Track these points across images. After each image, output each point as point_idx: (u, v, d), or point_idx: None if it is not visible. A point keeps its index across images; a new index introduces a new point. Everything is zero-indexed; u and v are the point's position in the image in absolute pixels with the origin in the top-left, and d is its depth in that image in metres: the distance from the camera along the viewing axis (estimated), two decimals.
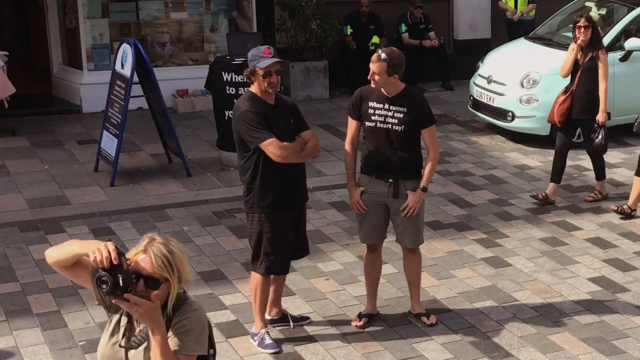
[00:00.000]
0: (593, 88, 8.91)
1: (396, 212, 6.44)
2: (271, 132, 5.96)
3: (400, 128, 6.27)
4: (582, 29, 8.85)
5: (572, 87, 9.04)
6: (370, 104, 6.35)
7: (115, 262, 3.38)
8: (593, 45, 8.92)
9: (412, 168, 6.41)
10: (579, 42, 8.90)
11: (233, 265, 7.69)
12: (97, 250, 3.40)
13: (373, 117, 6.34)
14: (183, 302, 3.62)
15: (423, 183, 6.39)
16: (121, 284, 3.37)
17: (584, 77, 8.96)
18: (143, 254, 3.49)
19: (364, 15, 13.73)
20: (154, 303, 3.43)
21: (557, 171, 9.24)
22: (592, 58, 8.92)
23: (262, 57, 6.01)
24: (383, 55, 6.22)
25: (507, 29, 14.37)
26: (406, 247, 6.62)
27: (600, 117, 8.89)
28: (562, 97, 9.15)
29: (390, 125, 6.29)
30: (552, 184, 9.23)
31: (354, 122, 6.50)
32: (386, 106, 6.31)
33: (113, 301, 3.47)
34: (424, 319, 6.68)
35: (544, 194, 9.15)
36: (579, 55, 8.98)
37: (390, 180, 6.36)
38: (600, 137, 8.93)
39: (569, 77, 9.19)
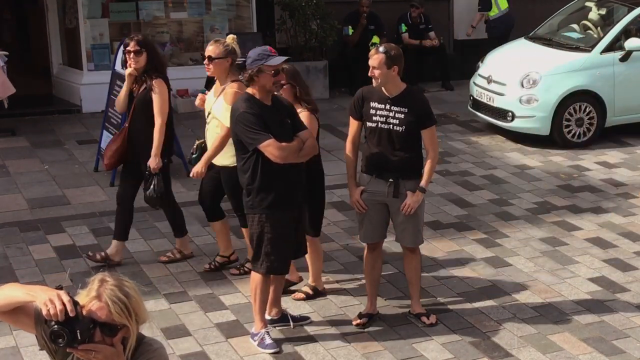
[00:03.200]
0: (150, 125, 7.28)
1: (396, 212, 6.45)
2: (269, 133, 5.97)
3: (401, 128, 6.28)
4: (132, 55, 7.25)
5: (126, 123, 7.57)
6: (372, 104, 6.36)
7: (71, 315, 3.04)
8: (148, 73, 7.29)
9: (413, 168, 6.41)
10: (129, 70, 7.32)
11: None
12: (50, 302, 3.02)
13: (374, 118, 6.35)
14: (140, 342, 3.28)
15: (422, 184, 6.39)
16: (79, 337, 3.06)
17: (138, 111, 7.36)
18: (97, 301, 3.13)
19: (363, 15, 13.73)
20: (116, 348, 3.14)
21: (122, 228, 7.67)
22: (147, 89, 7.30)
23: (270, 56, 6.08)
24: (381, 49, 6.28)
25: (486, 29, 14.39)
26: (406, 246, 6.62)
27: (151, 162, 7.20)
28: (116, 135, 7.72)
29: (391, 125, 6.30)
30: (115, 242, 7.66)
31: (356, 122, 6.51)
32: (387, 106, 6.32)
33: (68, 350, 3.14)
34: (424, 318, 6.68)
35: (103, 254, 7.60)
36: (133, 86, 7.40)
37: (391, 180, 6.36)
38: (151, 187, 7.34)
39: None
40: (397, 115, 6.30)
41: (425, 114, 6.37)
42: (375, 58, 6.25)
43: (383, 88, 6.33)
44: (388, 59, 6.23)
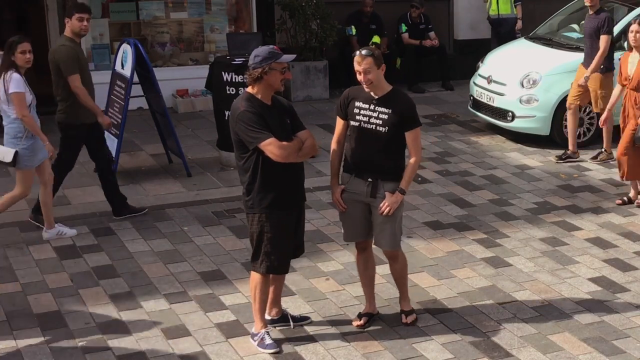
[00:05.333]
0: None
1: (375, 212, 6.43)
2: (270, 132, 5.98)
3: (384, 129, 6.27)
4: None
5: None
6: (357, 103, 6.37)
7: None
8: None
9: (394, 170, 6.36)
10: None
11: (233, 265, 7.70)
12: None
13: (357, 117, 6.35)
14: None
15: (402, 185, 6.35)
16: None
17: None
18: None
19: (366, 15, 13.77)
20: None
21: None
22: None
23: (278, 54, 6.12)
24: (364, 52, 6.26)
25: (492, 27, 14.41)
26: (386, 251, 6.58)
27: None
28: None
29: (374, 125, 6.29)
30: None
31: (341, 122, 6.53)
32: (372, 107, 6.32)
33: None
34: (403, 316, 6.70)
35: None
36: None
37: (369, 179, 6.35)
38: None
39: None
40: (380, 115, 6.28)
41: (410, 115, 6.33)
42: (367, 62, 6.20)
43: (371, 91, 6.32)
44: (376, 60, 6.24)
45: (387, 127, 6.26)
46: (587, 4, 10.44)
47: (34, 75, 13.46)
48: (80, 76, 8.50)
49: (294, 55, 6.31)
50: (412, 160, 6.36)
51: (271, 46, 6.24)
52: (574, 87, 10.45)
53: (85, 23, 8.51)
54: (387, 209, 6.31)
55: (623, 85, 9.25)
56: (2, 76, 7.81)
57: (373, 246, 6.65)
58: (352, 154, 6.43)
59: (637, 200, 9.11)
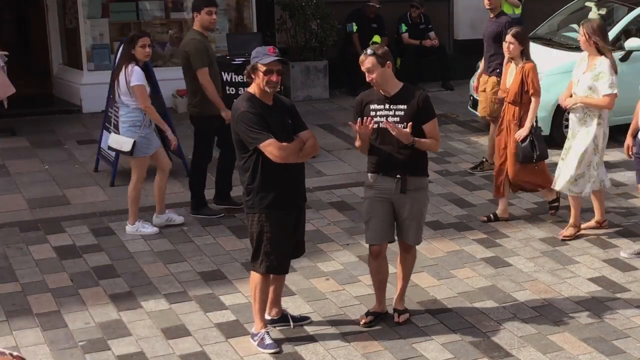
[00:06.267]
0: None
1: (402, 208, 6.45)
2: (270, 133, 5.98)
3: (402, 126, 6.30)
4: None
5: None
6: (372, 106, 6.40)
7: None
8: None
9: (418, 164, 6.43)
10: None
11: (233, 265, 7.70)
12: None
13: (375, 119, 6.37)
14: None
15: (416, 139, 6.33)
16: None
17: None
18: None
19: (368, 17, 13.77)
20: None
21: None
22: None
23: (265, 55, 6.08)
24: (368, 51, 6.32)
25: None
26: (406, 244, 6.61)
27: None
28: None
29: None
30: None
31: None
32: (386, 106, 6.35)
33: None
34: (396, 315, 6.72)
35: None
36: None
37: (398, 176, 6.37)
38: None
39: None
40: (397, 113, 6.33)
41: (424, 108, 6.38)
42: (368, 61, 6.27)
43: (382, 89, 6.35)
44: (379, 58, 6.28)
45: (405, 124, 6.30)
46: (486, 6, 10.21)
47: (30, 75, 13.55)
48: (208, 70, 8.53)
49: (277, 58, 6.10)
50: (433, 141, 6.44)
51: (266, 47, 6.21)
52: (491, 100, 9.95)
53: (214, 16, 8.61)
54: (396, 129, 6.24)
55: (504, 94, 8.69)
56: (124, 69, 8.03)
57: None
58: (377, 154, 6.46)
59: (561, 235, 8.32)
